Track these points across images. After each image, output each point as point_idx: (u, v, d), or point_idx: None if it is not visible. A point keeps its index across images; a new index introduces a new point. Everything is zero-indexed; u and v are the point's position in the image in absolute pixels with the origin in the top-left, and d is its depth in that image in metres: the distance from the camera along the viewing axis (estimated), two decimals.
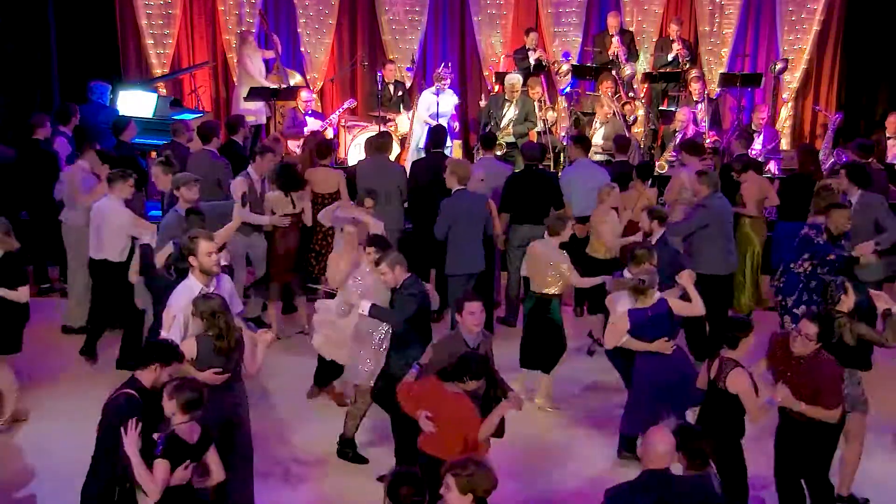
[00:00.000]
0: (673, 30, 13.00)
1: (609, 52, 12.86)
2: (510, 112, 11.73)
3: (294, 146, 11.40)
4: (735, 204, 9.12)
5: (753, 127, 11.89)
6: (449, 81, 12.05)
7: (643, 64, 13.44)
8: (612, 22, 13.03)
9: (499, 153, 11.12)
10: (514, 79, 11.85)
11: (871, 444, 6.43)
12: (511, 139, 11.62)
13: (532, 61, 12.87)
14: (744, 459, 5.62)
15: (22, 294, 6.70)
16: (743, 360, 5.54)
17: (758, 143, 11.60)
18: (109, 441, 4.83)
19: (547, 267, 7.40)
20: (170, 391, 4.71)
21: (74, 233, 8.68)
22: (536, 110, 11.88)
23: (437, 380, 5.25)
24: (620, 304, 6.45)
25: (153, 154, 11.25)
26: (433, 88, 11.95)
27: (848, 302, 6.04)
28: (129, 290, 7.86)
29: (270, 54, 12.73)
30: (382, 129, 11.78)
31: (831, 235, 7.47)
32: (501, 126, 11.69)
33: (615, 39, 12.86)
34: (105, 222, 7.89)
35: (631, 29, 13.45)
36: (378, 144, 9.46)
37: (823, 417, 5.49)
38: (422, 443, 5.32)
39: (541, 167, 9.60)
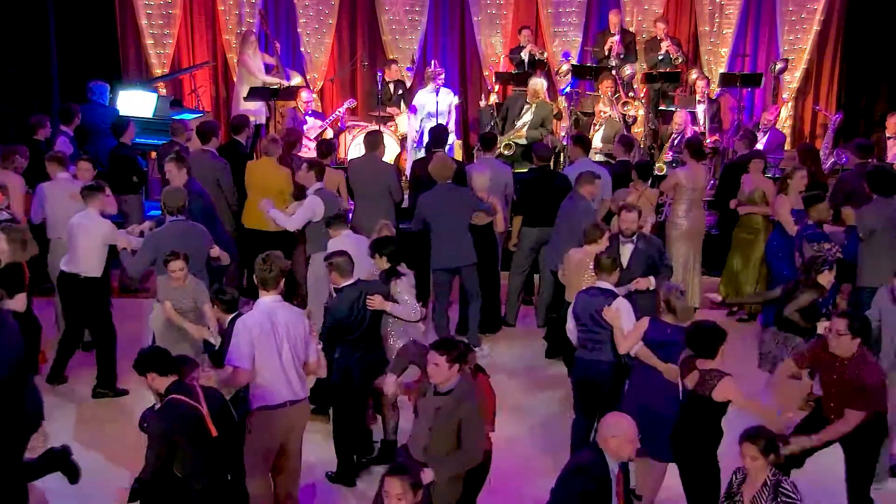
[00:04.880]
0: (660, 28, 12.98)
1: (604, 49, 12.85)
2: (527, 115, 11.69)
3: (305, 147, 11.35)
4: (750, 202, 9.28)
5: (760, 126, 11.90)
6: (443, 78, 11.99)
7: (642, 65, 13.44)
8: (613, 20, 13.02)
9: (507, 153, 11.14)
10: (538, 84, 11.76)
11: None
12: (523, 141, 11.60)
13: (525, 57, 12.88)
14: (718, 466, 5.58)
15: (19, 302, 6.25)
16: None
17: (760, 144, 11.58)
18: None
19: (585, 275, 7.12)
20: None
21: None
22: (552, 117, 11.87)
23: None
24: (626, 318, 6.26)
25: (153, 154, 11.25)
26: (430, 87, 11.90)
27: (827, 278, 6.37)
28: (104, 308, 7.79)
29: (271, 60, 12.70)
30: (376, 127, 11.71)
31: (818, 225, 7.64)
32: (517, 127, 11.67)
33: (615, 38, 12.85)
34: (84, 236, 7.56)
35: (632, 29, 13.45)
36: (369, 142, 9.45)
37: (837, 433, 5.58)
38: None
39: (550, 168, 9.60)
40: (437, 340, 5.28)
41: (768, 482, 4.76)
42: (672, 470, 5.77)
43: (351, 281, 6.35)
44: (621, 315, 6.21)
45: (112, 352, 7.73)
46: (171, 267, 6.69)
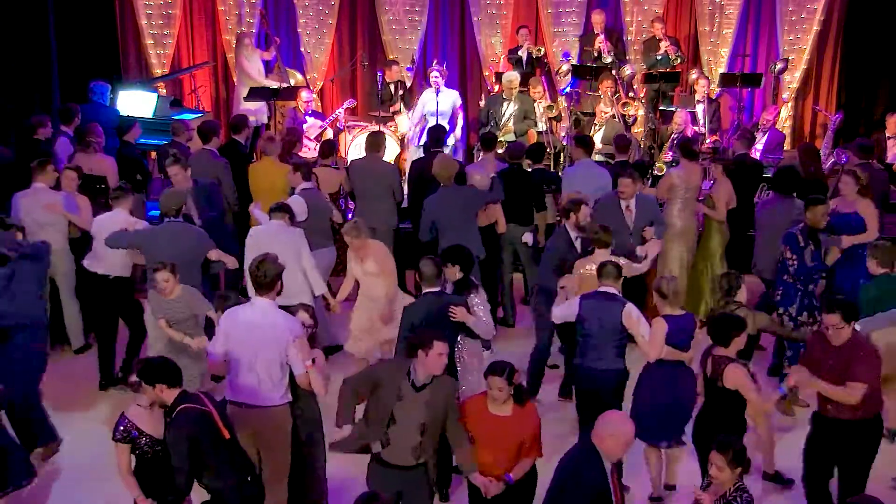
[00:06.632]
0: (657, 28, 12.97)
1: (593, 49, 12.84)
2: (509, 110, 11.74)
3: (305, 147, 11.36)
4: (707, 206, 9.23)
5: (759, 126, 11.89)
6: (443, 80, 11.99)
7: (641, 65, 13.42)
8: (596, 19, 12.99)
9: (500, 151, 11.13)
10: (512, 76, 11.86)
11: None
12: (512, 137, 11.60)
13: (523, 55, 12.88)
14: None
15: None
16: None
17: (759, 144, 11.59)
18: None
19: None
20: None
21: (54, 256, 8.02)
22: (536, 109, 11.87)
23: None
24: (644, 324, 6.28)
25: (153, 154, 11.25)
26: (432, 87, 11.94)
27: (743, 294, 6.41)
28: (129, 307, 7.82)
29: (269, 55, 12.71)
30: (376, 128, 11.72)
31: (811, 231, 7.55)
32: (502, 124, 11.69)
33: (600, 38, 12.83)
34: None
35: (632, 29, 13.43)
36: (370, 143, 9.44)
37: (843, 396, 5.45)
38: None
39: (537, 167, 9.57)
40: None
41: (727, 495, 4.66)
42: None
43: (434, 289, 6.19)
44: (642, 322, 6.26)
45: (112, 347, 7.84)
46: (156, 277, 6.48)
